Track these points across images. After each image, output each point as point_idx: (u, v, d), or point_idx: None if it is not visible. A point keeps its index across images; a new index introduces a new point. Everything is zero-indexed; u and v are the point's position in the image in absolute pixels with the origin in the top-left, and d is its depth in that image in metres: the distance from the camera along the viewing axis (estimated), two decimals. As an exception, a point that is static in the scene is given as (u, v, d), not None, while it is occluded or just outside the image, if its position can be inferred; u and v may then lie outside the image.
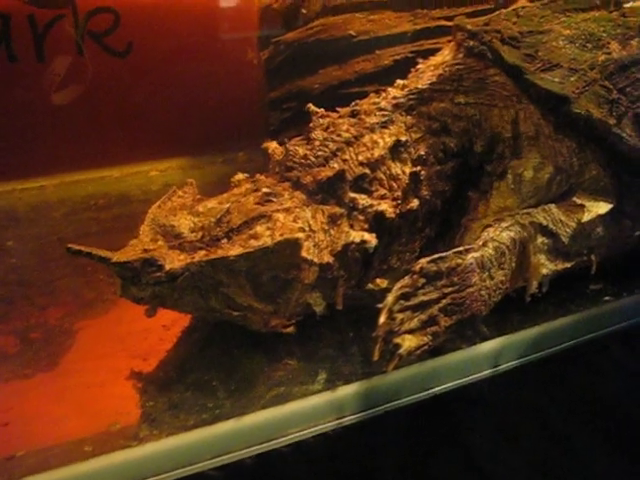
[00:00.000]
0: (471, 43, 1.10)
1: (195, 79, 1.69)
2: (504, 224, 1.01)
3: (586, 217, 1.07)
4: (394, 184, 1.08)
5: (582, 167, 1.08)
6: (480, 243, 0.99)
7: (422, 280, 0.94)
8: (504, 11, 1.19)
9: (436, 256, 0.94)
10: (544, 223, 1.04)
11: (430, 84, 1.12)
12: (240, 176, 1.14)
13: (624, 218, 1.13)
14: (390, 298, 0.93)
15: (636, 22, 1.15)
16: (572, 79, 1.05)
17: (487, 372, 1.02)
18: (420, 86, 1.12)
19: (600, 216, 1.08)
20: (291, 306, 1.01)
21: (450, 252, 0.96)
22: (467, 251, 0.97)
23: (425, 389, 0.97)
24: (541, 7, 1.18)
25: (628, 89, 1.07)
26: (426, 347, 0.94)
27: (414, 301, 0.94)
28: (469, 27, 1.10)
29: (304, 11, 1.48)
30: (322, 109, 1.18)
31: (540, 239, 1.05)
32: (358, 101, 1.17)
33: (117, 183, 1.79)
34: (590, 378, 1.08)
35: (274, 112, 1.44)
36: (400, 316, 0.93)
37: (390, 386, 0.96)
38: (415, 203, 1.07)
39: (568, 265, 1.10)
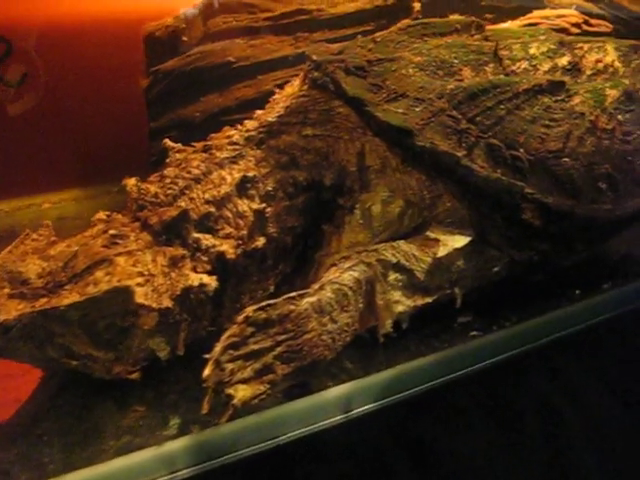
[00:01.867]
0: (315, 74, 1.05)
1: (86, 109, 1.65)
2: (346, 264, 0.97)
3: (441, 251, 1.02)
4: (241, 222, 1.04)
5: (434, 200, 1.03)
6: (317, 287, 0.94)
7: (251, 329, 0.89)
8: (361, 38, 1.15)
9: (264, 303, 0.90)
10: (393, 260, 1.00)
11: (278, 116, 1.08)
12: (100, 215, 1.10)
13: (489, 249, 1.09)
14: (217, 348, 0.88)
15: (491, 47, 1.11)
16: (417, 109, 1.00)
17: (338, 418, 0.97)
18: (270, 118, 1.08)
19: (457, 250, 1.04)
20: (133, 352, 0.98)
21: (281, 298, 0.91)
22: (301, 296, 0.92)
23: (266, 439, 0.93)
24: (399, 33, 1.13)
25: (478, 118, 1.02)
26: (264, 396, 0.90)
27: (245, 350, 0.89)
28: (314, 57, 1.05)
29: (185, 39, 1.44)
30: (179, 144, 1.15)
31: (393, 275, 1.01)
32: (213, 135, 1.13)
33: (7, 218, 1.73)
34: (452, 421, 1.03)
35: (155, 142, 1.40)
36: (230, 366, 0.88)
37: (226, 437, 0.91)
38: (261, 241, 1.04)
39: (429, 300, 1.06)
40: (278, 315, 0.90)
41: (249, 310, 0.89)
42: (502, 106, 1.03)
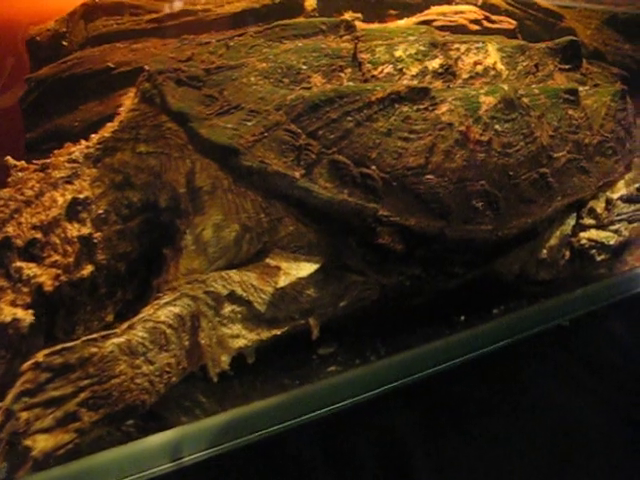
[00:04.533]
0: (145, 85, 0.95)
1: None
2: (165, 299, 0.87)
3: (283, 281, 0.92)
4: (69, 248, 0.95)
5: (274, 223, 0.92)
6: (125, 326, 0.84)
7: (46, 374, 0.81)
8: (214, 42, 1.04)
9: (59, 347, 0.81)
10: (223, 292, 0.89)
11: (113, 132, 0.98)
12: None
13: (349, 274, 0.98)
14: (9, 396, 0.80)
15: (350, 51, 0.99)
16: (250, 124, 0.89)
17: (166, 467, 0.88)
18: (106, 134, 0.99)
19: (303, 278, 0.93)
20: (-54, 394, 0.90)
21: (79, 340, 0.82)
22: (106, 337, 0.83)
23: (74, 493, 0.84)
24: (255, 36, 1.02)
25: (321, 132, 0.90)
26: (71, 445, 0.81)
27: (43, 397, 0.80)
28: (147, 66, 0.95)
29: (65, 43, 1.35)
30: (22, 161, 1.06)
31: (229, 307, 0.91)
32: (56, 151, 1.04)
33: None
34: (290, 473, 0.92)
35: (32, 154, 1.31)
36: (25, 415, 0.80)
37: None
38: (87, 270, 0.94)
39: (277, 332, 0.95)
40: (78, 359, 0.81)
41: (40, 355, 0.80)
42: (350, 118, 0.91)
